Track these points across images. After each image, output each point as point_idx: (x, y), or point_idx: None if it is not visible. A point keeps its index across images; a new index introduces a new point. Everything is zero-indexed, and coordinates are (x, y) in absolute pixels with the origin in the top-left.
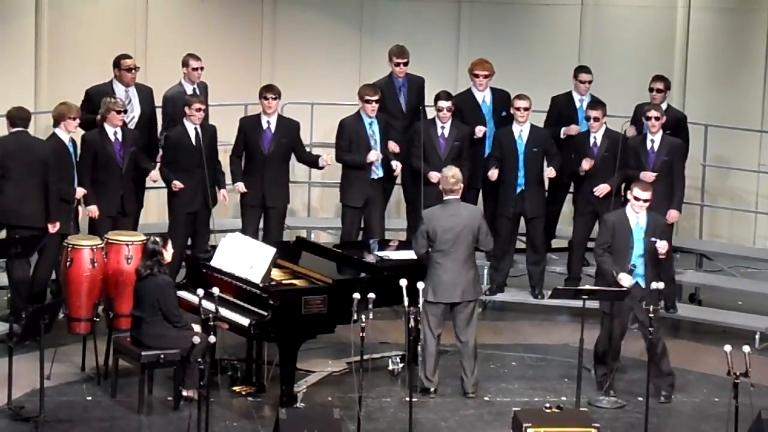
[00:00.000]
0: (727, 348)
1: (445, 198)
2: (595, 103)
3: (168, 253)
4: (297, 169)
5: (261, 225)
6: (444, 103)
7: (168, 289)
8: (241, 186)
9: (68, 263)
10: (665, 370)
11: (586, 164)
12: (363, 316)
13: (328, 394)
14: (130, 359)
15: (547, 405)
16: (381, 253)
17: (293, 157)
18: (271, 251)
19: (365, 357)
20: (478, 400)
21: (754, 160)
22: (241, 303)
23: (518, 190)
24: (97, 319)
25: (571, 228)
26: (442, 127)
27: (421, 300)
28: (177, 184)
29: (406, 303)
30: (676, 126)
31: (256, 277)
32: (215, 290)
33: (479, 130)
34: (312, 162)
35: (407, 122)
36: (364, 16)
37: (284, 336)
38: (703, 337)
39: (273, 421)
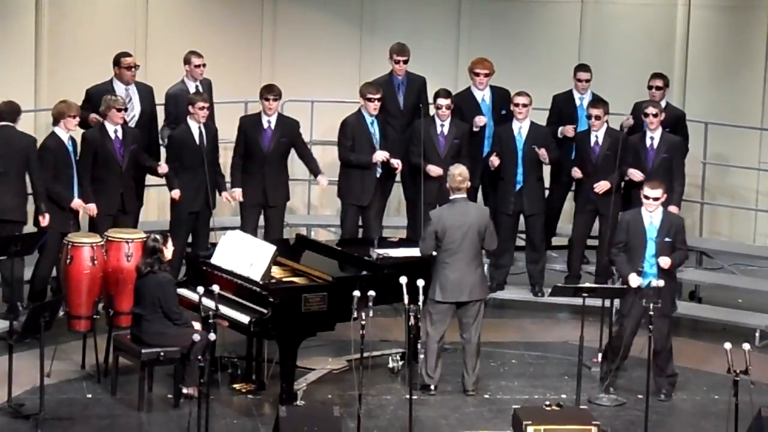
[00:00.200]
0: (727, 345)
1: (452, 197)
2: (597, 101)
3: (168, 251)
4: (297, 167)
5: (260, 223)
6: (443, 101)
7: (168, 287)
8: (238, 193)
9: (68, 261)
10: (668, 371)
11: (576, 173)
12: (363, 314)
13: (328, 392)
14: (130, 357)
15: (547, 403)
16: (381, 251)
17: (292, 156)
18: (271, 249)
19: (365, 355)
20: (478, 398)
21: (754, 158)
22: (241, 301)
23: (517, 187)
24: (97, 317)
25: (571, 226)
26: (442, 125)
27: (421, 298)
28: (175, 195)
29: (406, 301)
30: (675, 124)
31: (256, 275)
32: (215, 288)
33: (480, 120)
34: (311, 166)
35: (405, 121)
36: (364, 13)
37: (284, 333)
38: (703, 335)
39: (273, 419)
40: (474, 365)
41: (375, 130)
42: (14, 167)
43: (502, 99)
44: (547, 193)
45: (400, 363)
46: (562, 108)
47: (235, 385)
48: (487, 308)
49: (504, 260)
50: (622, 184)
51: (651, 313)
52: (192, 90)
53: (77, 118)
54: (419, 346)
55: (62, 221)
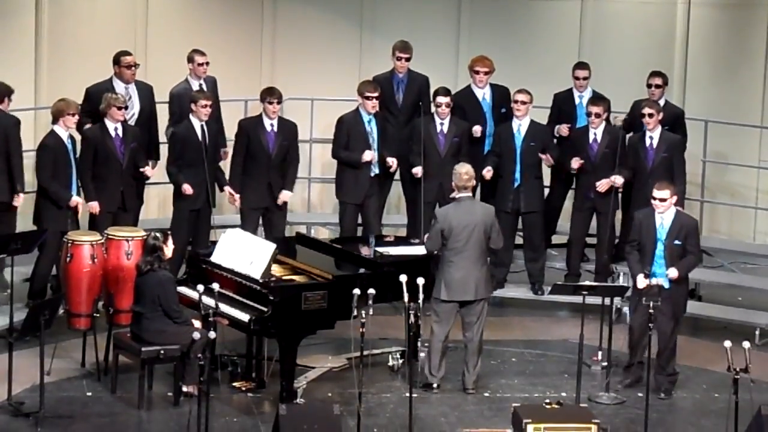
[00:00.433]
0: (727, 344)
1: (459, 195)
2: (597, 98)
3: (168, 249)
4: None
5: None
6: (442, 99)
7: (168, 285)
8: (238, 198)
9: (68, 259)
10: (669, 370)
11: (575, 163)
12: (363, 312)
13: (328, 390)
14: (130, 355)
15: (547, 401)
16: (381, 249)
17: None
18: (271, 247)
19: (365, 353)
20: (478, 396)
21: (754, 156)
22: (241, 299)
23: (515, 184)
24: (97, 315)
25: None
26: (441, 124)
27: (421, 296)
28: (187, 188)
29: (406, 299)
30: (674, 122)
31: (256, 273)
32: (215, 286)
33: (476, 130)
34: (288, 177)
35: (404, 119)
36: (364, 11)
37: (284, 332)
38: (703, 333)
39: (273, 417)
40: (475, 363)
41: (372, 128)
42: None
43: (502, 97)
44: (547, 191)
45: (400, 361)
46: (562, 106)
47: (235, 383)
48: (488, 307)
49: (504, 258)
50: (622, 182)
51: (651, 311)
52: (195, 89)
53: (76, 117)
54: (419, 344)
55: (60, 220)
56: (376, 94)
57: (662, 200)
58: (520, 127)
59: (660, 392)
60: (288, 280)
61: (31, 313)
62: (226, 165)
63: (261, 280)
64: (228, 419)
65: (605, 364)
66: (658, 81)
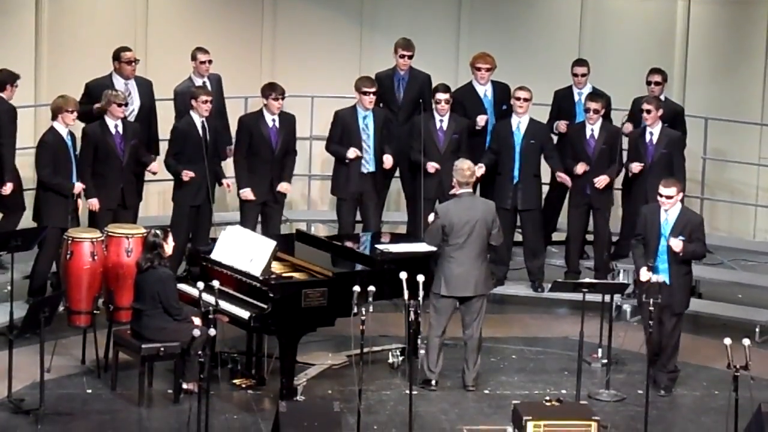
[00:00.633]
0: (727, 341)
1: (460, 191)
2: (595, 95)
3: (168, 246)
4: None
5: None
6: (442, 96)
7: (168, 282)
8: (248, 193)
9: (68, 256)
10: (670, 367)
11: (581, 168)
12: (363, 309)
13: (328, 387)
14: (130, 352)
15: (547, 398)
16: (381, 246)
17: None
18: (271, 244)
19: (365, 350)
20: (478, 393)
21: (754, 153)
22: (241, 296)
23: (514, 181)
24: (97, 312)
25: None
26: (441, 120)
27: (421, 293)
28: (187, 173)
29: (406, 296)
30: (674, 119)
31: (256, 270)
32: (215, 283)
33: (481, 119)
34: (286, 171)
35: (404, 115)
36: (364, 9)
37: (284, 329)
38: (703, 330)
39: (273, 414)
40: (475, 361)
41: (367, 125)
42: None
43: (503, 94)
44: (547, 189)
45: (400, 358)
46: (561, 103)
47: (235, 381)
48: (487, 303)
49: (503, 256)
50: (621, 177)
51: (651, 309)
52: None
53: (75, 113)
54: (419, 341)
55: (61, 217)
56: (373, 90)
57: (669, 197)
58: (519, 124)
59: (659, 389)
60: (288, 278)
61: (31, 311)
62: (229, 162)
63: (261, 278)
64: (228, 416)
65: (605, 361)
66: (657, 78)
